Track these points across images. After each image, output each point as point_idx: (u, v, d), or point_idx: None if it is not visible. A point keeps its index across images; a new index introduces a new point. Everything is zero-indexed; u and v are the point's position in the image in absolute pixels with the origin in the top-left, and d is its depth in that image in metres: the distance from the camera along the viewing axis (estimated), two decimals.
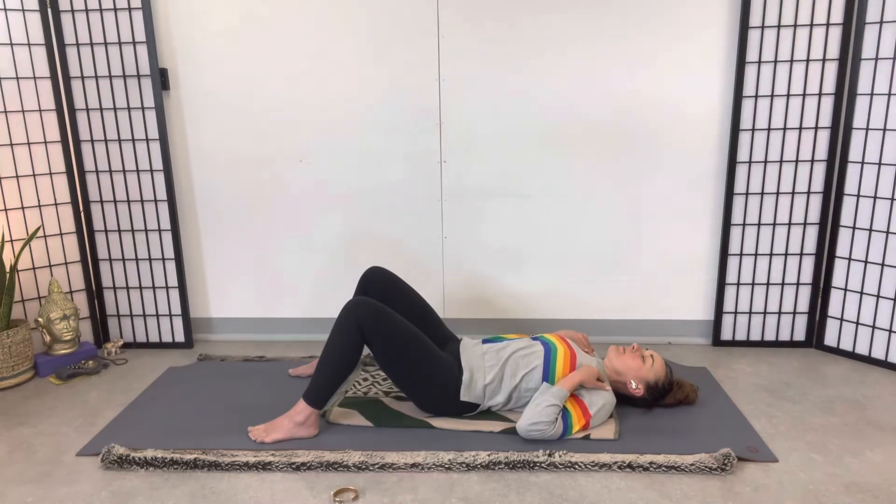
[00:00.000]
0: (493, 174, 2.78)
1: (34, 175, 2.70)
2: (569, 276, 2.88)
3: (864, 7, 2.45)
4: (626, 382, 2.19)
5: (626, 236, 2.82)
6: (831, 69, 2.54)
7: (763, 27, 2.53)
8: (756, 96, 2.59)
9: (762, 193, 2.68)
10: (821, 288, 2.75)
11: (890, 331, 2.58)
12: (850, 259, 2.64)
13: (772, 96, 2.59)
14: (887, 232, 2.53)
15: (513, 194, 2.80)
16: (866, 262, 2.60)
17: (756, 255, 2.75)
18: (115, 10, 2.62)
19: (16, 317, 2.74)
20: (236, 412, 2.27)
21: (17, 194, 2.68)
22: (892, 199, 2.50)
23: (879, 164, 2.51)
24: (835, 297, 2.71)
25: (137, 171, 2.78)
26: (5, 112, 2.60)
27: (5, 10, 2.54)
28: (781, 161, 2.65)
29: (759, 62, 2.56)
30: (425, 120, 2.74)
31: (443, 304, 2.95)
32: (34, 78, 2.64)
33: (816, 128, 2.60)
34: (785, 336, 2.82)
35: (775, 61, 2.56)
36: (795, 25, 2.52)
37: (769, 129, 2.62)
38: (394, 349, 2.05)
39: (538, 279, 2.89)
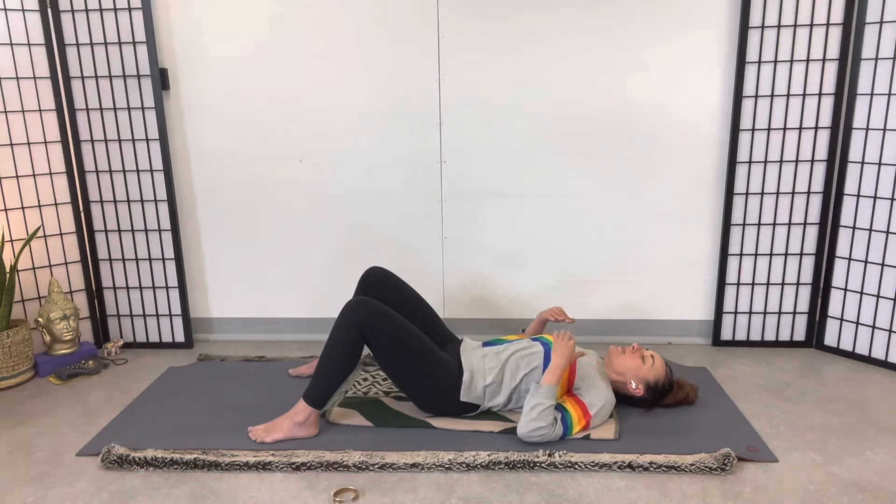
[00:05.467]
0: (493, 174, 2.78)
1: (34, 175, 2.70)
2: (569, 276, 2.88)
3: (864, 7, 2.45)
4: (626, 382, 2.19)
5: (626, 236, 2.82)
6: (831, 69, 2.54)
7: (763, 27, 2.53)
8: (756, 96, 2.59)
9: (762, 193, 2.68)
10: (821, 288, 2.75)
11: (890, 331, 2.58)
12: (850, 259, 2.64)
13: (772, 96, 2.59)
14: (887, 232, 2.53)
15: (513, 194, 2.80)
16: (866, 262, 2.60)
17: (756, 255, 2.75)
18: (115, 10, 2.62)
19: (16, 317, 2.74)
20: (236, 412, 2.27)
21: (17, 194, 2.68)
22: (892, 199, 2.50)
23: (879, 164, 2.51)
24: (835, 297, 2.71)
25: (137, 171, 2.78)
26: (5, 112, 2.60)
27: (5, 10, 2.54)
28: (781, 161, 2.65)
29: (759, 62, 2.56)
30: (425, 120, 2.74)
31: (443, 304, 2.95)
32: (34, 78, 2.64)
33: (816, 128, 2.60)
34: (785, 336, 2.82)
35: (775, 61, 2.56)
36: (795, 25, 2.52)
37: (769, 129, 2.62)
38: (394, 349, 2.05)
39: (538, 279, 2.89)
